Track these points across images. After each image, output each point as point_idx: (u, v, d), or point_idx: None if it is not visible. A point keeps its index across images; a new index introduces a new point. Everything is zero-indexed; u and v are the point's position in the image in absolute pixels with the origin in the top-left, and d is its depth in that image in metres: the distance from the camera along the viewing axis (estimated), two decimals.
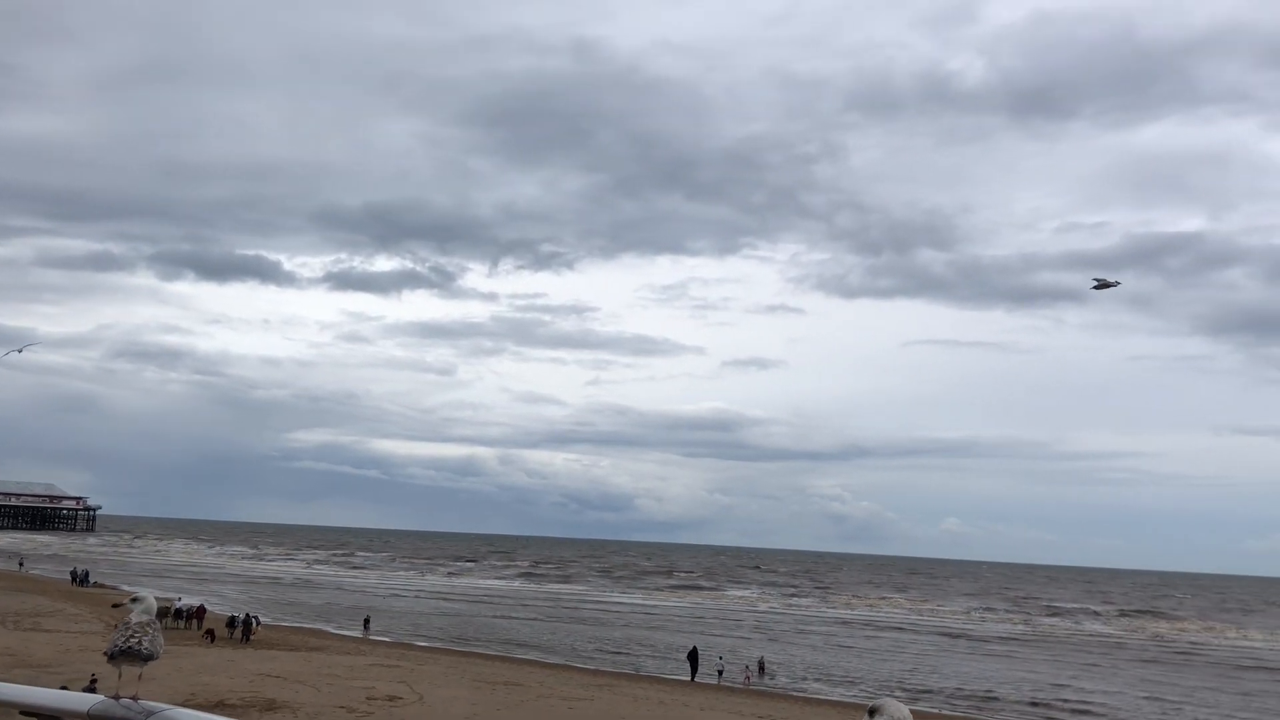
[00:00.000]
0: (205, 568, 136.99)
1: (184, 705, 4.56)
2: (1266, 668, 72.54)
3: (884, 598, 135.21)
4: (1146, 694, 54.85)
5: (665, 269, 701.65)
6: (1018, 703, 49.76)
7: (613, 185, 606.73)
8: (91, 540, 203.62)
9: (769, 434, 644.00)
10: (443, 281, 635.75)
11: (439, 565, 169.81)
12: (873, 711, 4.36)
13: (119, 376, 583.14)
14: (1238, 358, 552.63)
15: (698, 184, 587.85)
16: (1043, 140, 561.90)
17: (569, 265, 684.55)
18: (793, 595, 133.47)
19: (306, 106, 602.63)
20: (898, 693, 50.63)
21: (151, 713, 4.35)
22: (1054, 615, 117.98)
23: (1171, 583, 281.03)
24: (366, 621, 67.75)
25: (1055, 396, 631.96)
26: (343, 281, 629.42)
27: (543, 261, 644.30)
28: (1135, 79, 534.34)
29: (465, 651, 57.52)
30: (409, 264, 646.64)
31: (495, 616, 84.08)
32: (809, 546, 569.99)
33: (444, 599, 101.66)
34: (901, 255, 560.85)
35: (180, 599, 65.42)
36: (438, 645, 60.73)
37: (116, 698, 4.60)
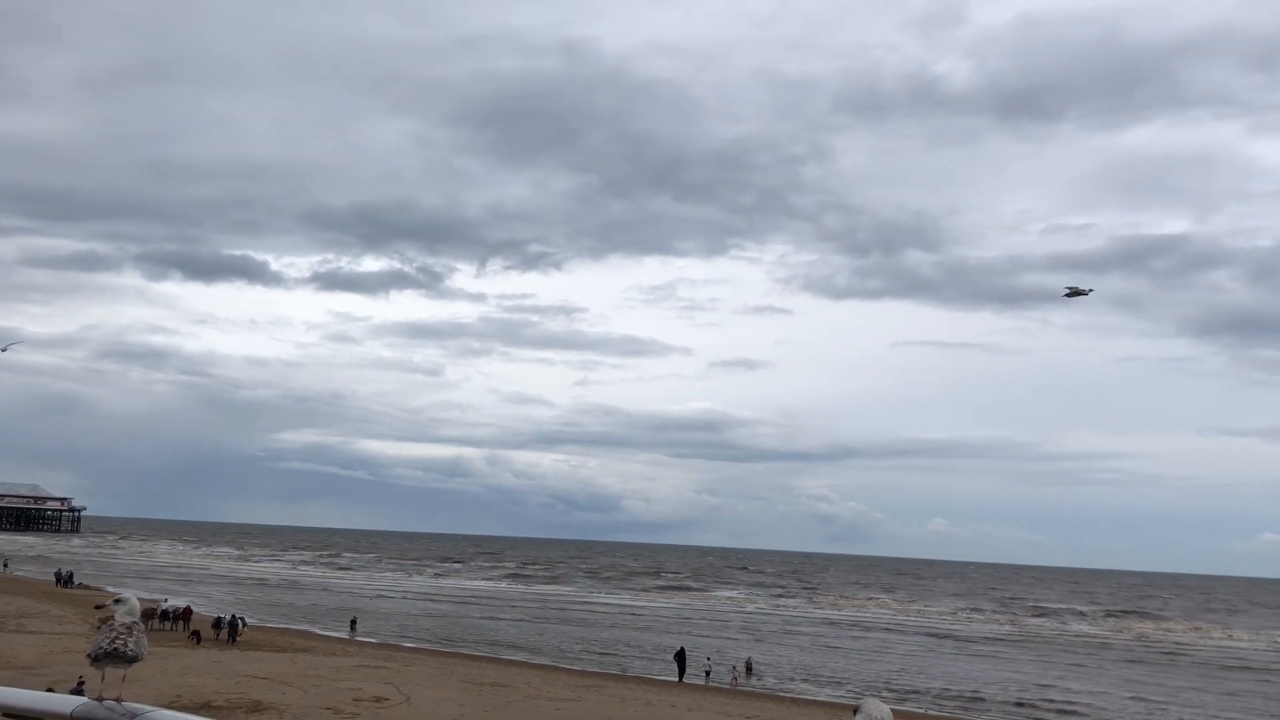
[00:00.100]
0: (191, 569, 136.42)
1: (169, 707, 4.55)
2: (1251, 668, 72.96)
3: (871, 598, 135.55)
4: (1131, 694, 55.12)
5: (653, 270, 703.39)
6: (1003, 703, 49.95)
7: (601, 186, 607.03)
8: (76, 541, 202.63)
9: (756, 435, 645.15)
10: (430, 282, 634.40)
11: (426, 566, 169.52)
12: (855, 711, 4.40)
13: (105, 377, 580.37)
14: (1223, 359, 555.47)
15: (686, 185, 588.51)
16: (1030, 142, 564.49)
17: (557, 266, 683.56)
18: (780, 596, 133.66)
19: (295, 106, 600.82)
20: (884, 693, 50.76)
21: (135, 715, 4.34)
22: (1040, 616, 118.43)
23: (1157, 583, 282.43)
24: (353, 623, 67.60)
25: (1042, 397, 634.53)
26: (330, 282, 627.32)
27: (531, 262, 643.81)
28: (1122, 82, 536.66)
29: (452, 652, 57.43)
30: (397, 264, 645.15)
31: (482, 617, 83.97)
32: (796, 547, 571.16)
33: (431, 600, 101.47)
34: (889, 256, 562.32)
35: (166, 600, 65.13)
36: (424, 646, 60.63)
37: (100, 699, 4.58)
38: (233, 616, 55.25)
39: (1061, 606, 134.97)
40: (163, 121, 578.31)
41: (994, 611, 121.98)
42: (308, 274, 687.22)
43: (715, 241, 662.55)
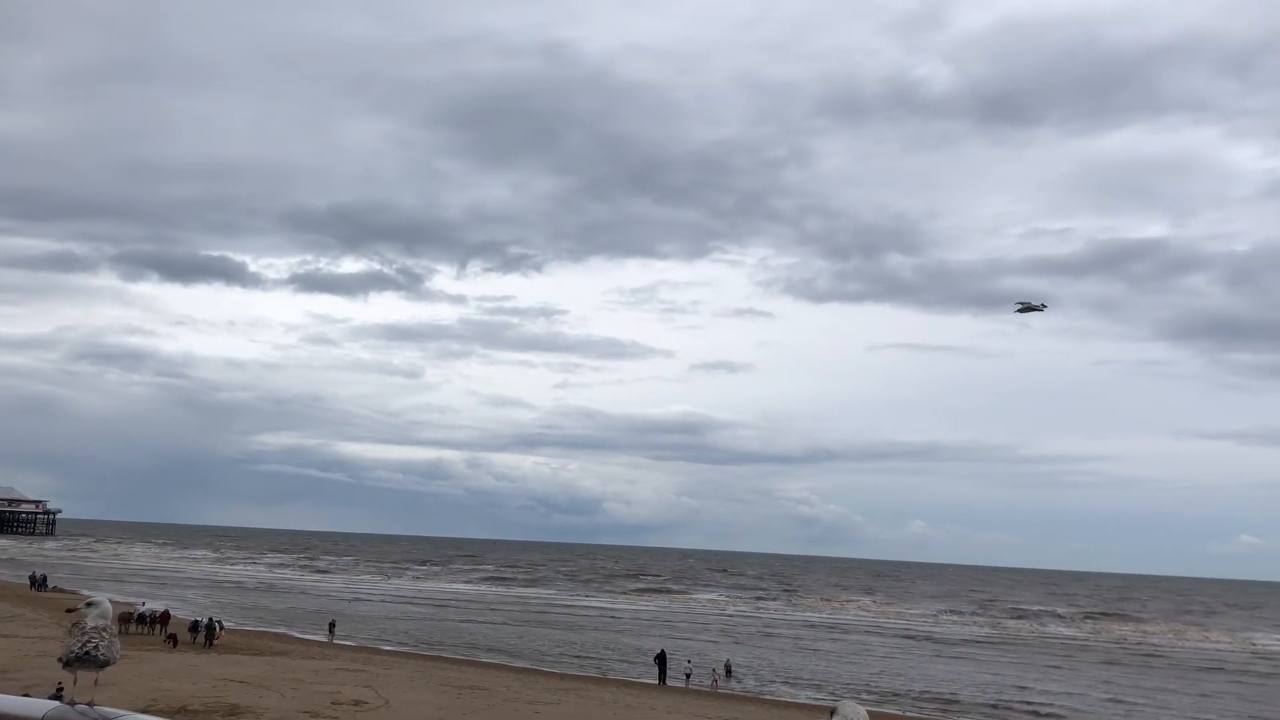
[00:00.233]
0: (167, 572, 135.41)
1: (145, 711, 4.52)
2: (1226, 669, 73.59)
3: (850, 600, 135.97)
4: (1108, 696, 55.48)
5: (634, 272, 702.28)
6: (980, 705, 50.16)
7: (582, 188, 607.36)
8: (51, 544, 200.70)
9: (737, 437, 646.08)
10: (410, 283, 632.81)
11: (405, 569, 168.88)
12: (832, 713, 4.41)
13: (80, 378, 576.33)
14: (1198, 363, 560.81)
15: (667, 187, 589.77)
16: (1008, 146, 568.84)
17: (537, 268, 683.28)
18: (760, 598, 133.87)
19: (273, 107, 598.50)
20: (863, 695, 50.95)
21: (107, 719, 4.30)
22: (1019, 618, 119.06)
23: (1135, 585, 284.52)
24: (332, 626, 67.22)
25: (1020, 401, 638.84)
26: (309, 283, 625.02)
27: (511, 264, 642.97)
28: (1100, 87, 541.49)
29: (431, 656, 57.22)
30: (376, 266, 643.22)
31: (462, 620, 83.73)
32: (777, 549, 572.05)
33: (410, 603, 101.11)
34: (869, 260, 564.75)
35: (144, 604, 64.60)
36: (403, 649, 60.39)
37: (72, 703, 4.54)
38: (210, 619, 54.80)
39: (1040, 608, 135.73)
40: (140, 121, 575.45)
41: (973, 613, 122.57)
42: (286, 275, 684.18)
43: (696, 244, 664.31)
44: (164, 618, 57.40)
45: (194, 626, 53.51)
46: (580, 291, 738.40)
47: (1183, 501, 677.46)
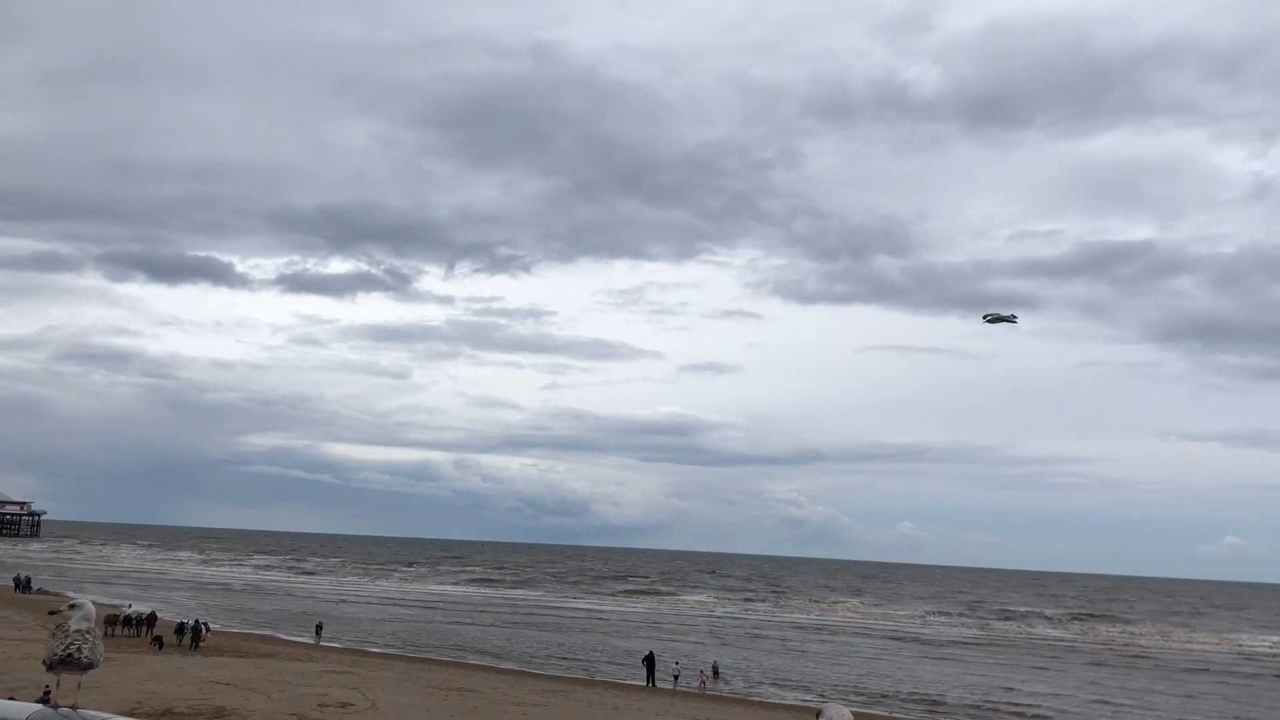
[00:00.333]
0: (153, 574, 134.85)
1: (130, 714, 4.49)
2: (1211, 670, 73.95)
3: (839, 602, 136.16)
4: (1095, 697, 55.69)
5: (623, 273, 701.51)
6: (967, 706, 50.29)
7: (571, 189, 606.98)
8: (35, 546, 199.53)
9: (726, 438, 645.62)
10: (398, 284, 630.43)
11: (393, 570, 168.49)
12: (817, 715, 4.41)
13: (66, 379, 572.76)
14: (1185, 364, 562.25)
15: (656, 188, 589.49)
16: (997, 148, 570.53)
17: (526, 269, 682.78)
18: (748, 599, 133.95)
19: (261, 106, 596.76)
20: (851, 696, 51.06)
21: None
22: (1006, 619, 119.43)
23: (1122, 586, 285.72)
24: (319, 628, 67.08)
25: (1007, 402, 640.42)
26: (296, 284, 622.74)
27: (499, 265, 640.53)
28: (1087, 89, 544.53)
29: (419, 658, 57.11)
30: (364, 266, 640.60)
31: (449, 622, 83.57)
32: (765, 551, 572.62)
33: (398, 605, 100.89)
34: (858, 261, 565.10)
35: (130, 606, 64.32)
36: (391, 651, 60.25)
37: (55, 707, 4.51)
38: (196, 622, 54.60)
39: (1027, 610, 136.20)
40: (126, 120, 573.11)
41: (960, 615, 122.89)
42: (273, 276, 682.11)
43: (685, 245, 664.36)
44: (150, 619, 57.14)
45: (180, 628, 53.31)
46: (569, 292, 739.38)
47: (1169, 503, 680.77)
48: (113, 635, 53.23)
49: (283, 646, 57.05)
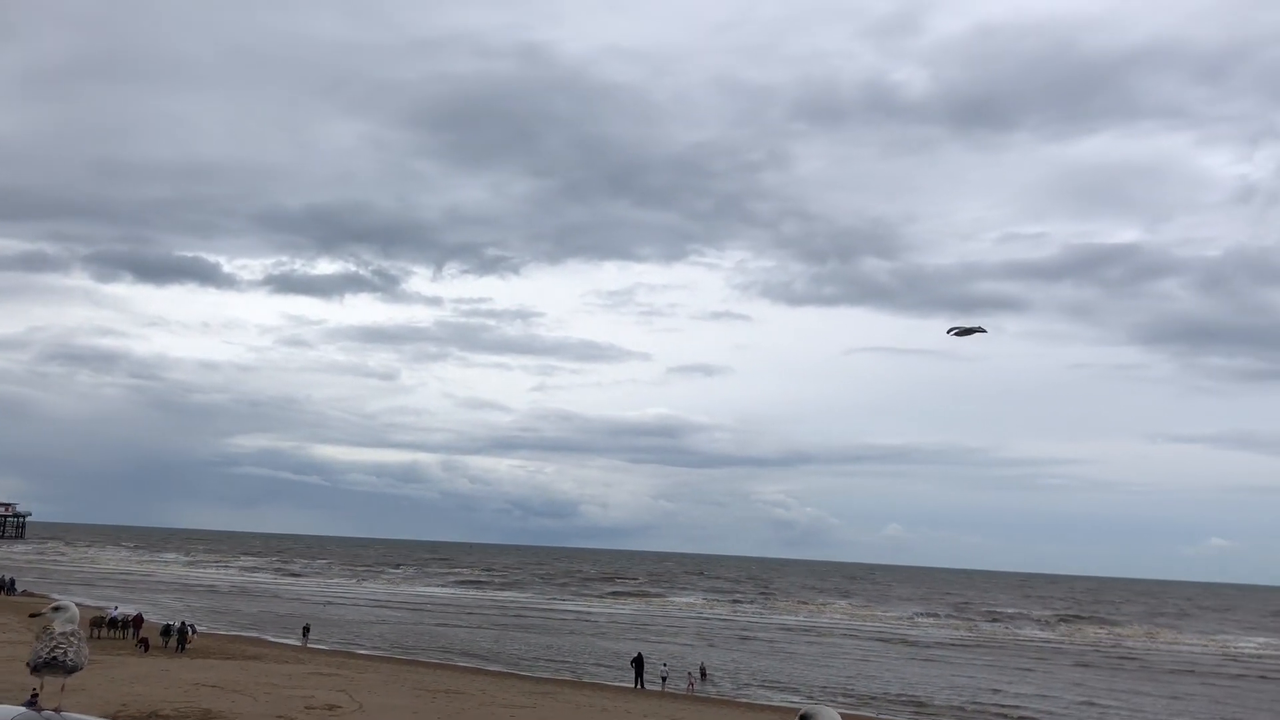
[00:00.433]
0: (139, 575, 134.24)
1: (115, 716, 4.46)
2: (1196, 672, 74.30)
3: (826, 603, 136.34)
4: (1081, 698, 55.88)
5: (612, 275, 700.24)
6: (953, 707, 50.40)
7: (560, 190, 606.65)
8: (20, 547, 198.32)
9: (714, 440, 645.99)
10: (386, 285, 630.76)
11: (380, 572, 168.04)
12: (804, 718, 4.39)
13: (51, 379, 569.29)
14: (1171, 367, 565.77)
15: (645, 190, 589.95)
16: (984, 151, 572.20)
17: (515, 270, 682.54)
18: (737, 601, 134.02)
19: (248, 106, 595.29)
20: (839, 698, 51.12)
21: None
22: (994, 620, 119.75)
23: (1108, 587, 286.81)
24: (306, 629, 66.85)
25: (995, 404, 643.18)
26: (284, 284, 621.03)
27: (488, 266, 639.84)
28: (1075, 92, 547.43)
29: (406, 660, 56.95)
30: (352, 267, 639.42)
31: (437, 624, 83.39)
32: (753, 552, 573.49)
33: (385, 607, 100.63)
34: (846, 263, 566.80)
35: (116, 608, 63.97)
36: (378, 653, 60.08)
37: (39, 710, 4.48)
38: (182, 623, 54.35)
39: (1015, 611, 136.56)
40: (113, 120, 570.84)
41: (948, 616, 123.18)
42: (261, 276, 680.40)
43: (674, 247, 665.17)
44: (136, 622, 56.82)
45: (166, 630, 53.06)
46: (557, 294, 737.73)
47: (1155, 504, 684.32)
48: (98, 637, 52.93)
49: (269, 648, 56.83)
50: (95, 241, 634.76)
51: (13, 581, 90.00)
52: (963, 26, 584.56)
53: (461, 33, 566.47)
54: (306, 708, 31.07)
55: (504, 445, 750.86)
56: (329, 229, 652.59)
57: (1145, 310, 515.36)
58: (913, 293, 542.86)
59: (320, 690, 35.38)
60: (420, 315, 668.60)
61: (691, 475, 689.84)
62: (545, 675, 54.10)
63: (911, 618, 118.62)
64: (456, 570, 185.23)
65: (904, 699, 52.20)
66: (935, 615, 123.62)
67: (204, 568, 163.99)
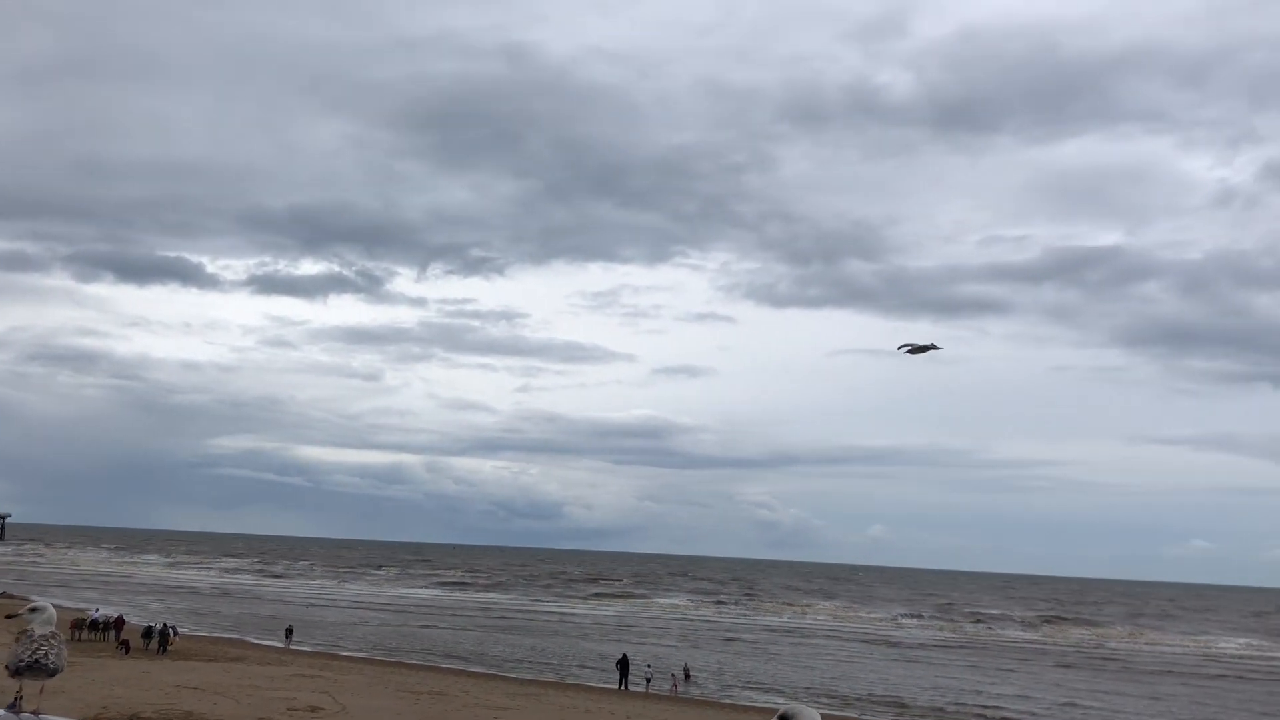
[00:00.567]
0: (119, 577, 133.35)
1: (95, 719, 4.42)
2: (1177, 672, 74.76)
3: (810, 604, 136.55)
4: (1063, 699, 56.14)
5: (596, 276, 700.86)
6: (934, 708, 50.55)
7: (544, 191, 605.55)
8: None
9: (698, 441, 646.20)
10: (370, 286, 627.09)
11: (364, 573, 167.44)
12: (783, 717, 4.39)
13: (31, 380, 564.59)
14: (1153, 369, 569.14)
15: (629, 191, 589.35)
16: (967, 154, 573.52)
17: (499, 271, 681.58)
18: (721, 602, 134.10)
19: (231, 106, 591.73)
20: (822, 699, 51.21)
21: None
22: (977, 621, 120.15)
23: (1091, 588, 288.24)
24: (289, 631, 66.59)
25: (977, 406, 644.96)
26: (267, 285, 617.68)
27: (472, 267, 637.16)
28: (1057, 96, 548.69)
29: (389, 661, 56.77)
30: (335, 268, 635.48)
31: (421, 626, 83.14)
32: (737, 553, 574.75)
33: (368, 608, 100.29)
34: (830, 265, 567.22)
35: (97, 609, 63.56)
36: (361, 655, 59.86)
37: (18, 713, 4.45)
38: (163, 625, 54.04)
39: (997, 612, 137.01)
40: (94, 119, 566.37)
41: (931, 617, 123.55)
42: (244, 277, 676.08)
43: (658, 248, 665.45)
44: (118, 624, 56.44)
45: (147, 632, 52.75)
46: (542, 295, 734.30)
47: (1137, 506, 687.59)
48: (79, 639, 52.60)
49: (252, 650, 56.57)
50: (76, 241, 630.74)
51: None
52: (946, 30, 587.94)
53: (445, 33, 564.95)
54: (289, 709, 30.94)
55: (488, 446, 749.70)
56: (312, 229, 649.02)
57: (1127, 313, 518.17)
58: (896, 295, 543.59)
59: (303, 692, 35.24)
60: (404, 316, 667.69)
61: (676, 476, 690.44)
62: (529, 677, 54.01)
63: (895, 619, 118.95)
64: (440, 572, 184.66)
65: (887, 700, 52.33)
66: (919, 616, 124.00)
67: (185, 569, 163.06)
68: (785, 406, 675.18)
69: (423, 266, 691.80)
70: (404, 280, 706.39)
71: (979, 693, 56.80)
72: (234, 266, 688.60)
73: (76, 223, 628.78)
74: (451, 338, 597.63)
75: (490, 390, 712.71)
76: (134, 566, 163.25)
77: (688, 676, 55.65)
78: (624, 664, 53.93)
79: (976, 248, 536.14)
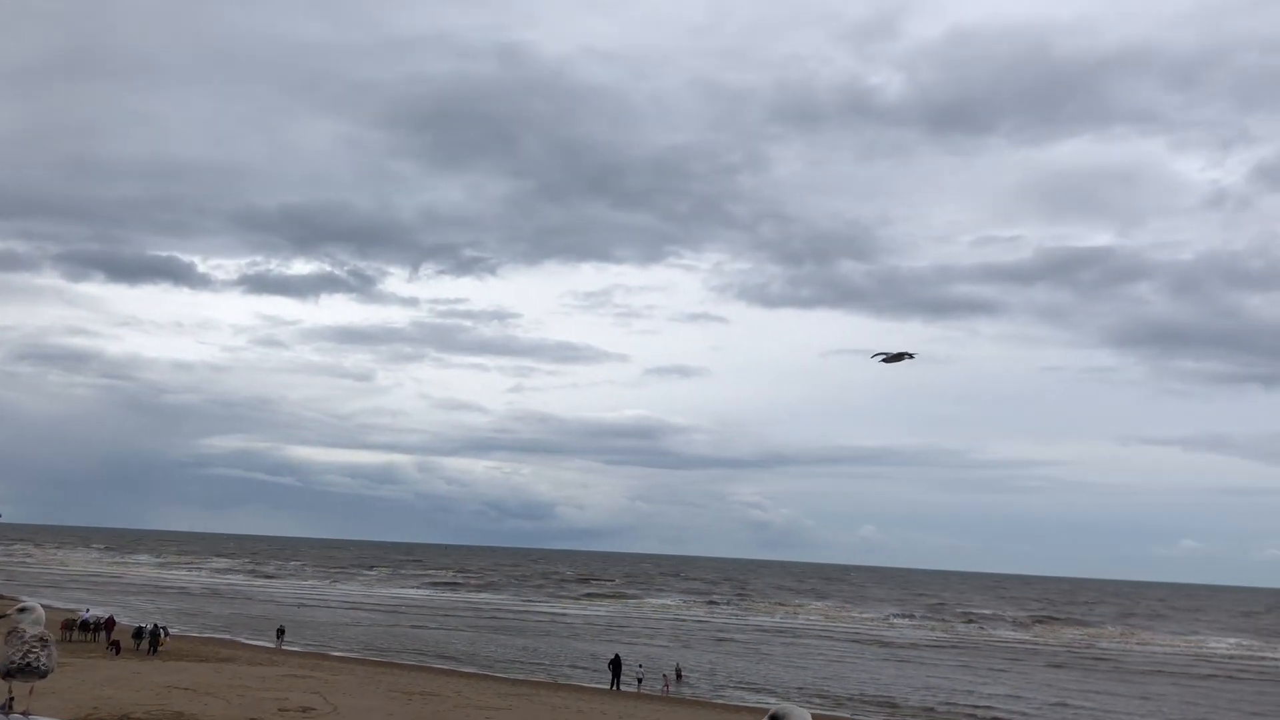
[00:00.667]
0: (109, 577, 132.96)
1: (86, 719, 4.43)
2: (1167, 672, 75.01)
3: (802, 604, 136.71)
4: (1054, 699, 56.29)
5: (589, 276, 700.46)
6: (925, 708, 50.66)
7: (537, 191, 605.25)
8: None
9: (691, 442, 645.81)
10: (362, 286, 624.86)
11: (355, 574, 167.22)
12: (774, 718, 4.41)
13: (21, 379, 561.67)
14: (1144, 369, 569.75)
15: (623, 191, 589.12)
16: (960, 155, 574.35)
17: (491, 271, 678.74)
18: (713, 602, 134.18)
19: (223, 105, 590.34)
20: (814, 699, 51.27)
21: None
22: (968, 621, 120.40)
23: (1082, 589, 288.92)
24: (280, 631, 66.46)
25: (969, 406, 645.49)
26: (259, 284, 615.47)
27: (465, 266, 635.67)
28: (1049, 97, 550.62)
29: (381, 662, 56.71)
30: (327, 267, 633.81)
31: (412, 626, 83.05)
32: (730, 553, 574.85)
33: (360, 609, 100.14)
34: (822, 266, 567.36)
35: (88, 610, 63.38)
36: (353, 655, 59.77)
37: (7, 714, 4.45)
38: (154, 626, 53.91)
39: (989, 612, 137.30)
40: (85, 118, 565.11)
41: (923, 617, 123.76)
42: (236, 276, 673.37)
43: (651, 249, 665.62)
44: (108, 624, 56.29)
45: (138, 633, 52.62)
46: (534, 295, 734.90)
47: (1128, 506, 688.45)
48: (70, 640, 52.45)
49: (243, 651, 56.46)
50: (67, 240, 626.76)
51: None
52: (938, 31, 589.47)
53: (438, 33, 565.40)
54: (280, 710, 30.90)
55: (480, 446, 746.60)
56: (304, 229, 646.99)
57: (1118, 313, 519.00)
58: (888, 295, 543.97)
59: (294, 692, 35.19)
60: (396, 316, 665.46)
61: (668, 476, 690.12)
62: (521, 677, 54.00)
63: (887, 619, 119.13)
64: (432, 572, 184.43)
65: (878, 700, 52.42)
66: (910, 616, 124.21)
67: (176, 569, 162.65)
68: (778, 407, 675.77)
69: (415, 266, 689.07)
70: (396, 280, 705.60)
71: (970, 693, 56.92)
72: (225, 266, 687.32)
73: (67, 222, 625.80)
74: (443, 338, 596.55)
75: (482, 390, 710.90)
76: (124, 567, 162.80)
77: (679, 676, 55.68)
78: (616, 664, 53.94)
79: (969, 248, 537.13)
